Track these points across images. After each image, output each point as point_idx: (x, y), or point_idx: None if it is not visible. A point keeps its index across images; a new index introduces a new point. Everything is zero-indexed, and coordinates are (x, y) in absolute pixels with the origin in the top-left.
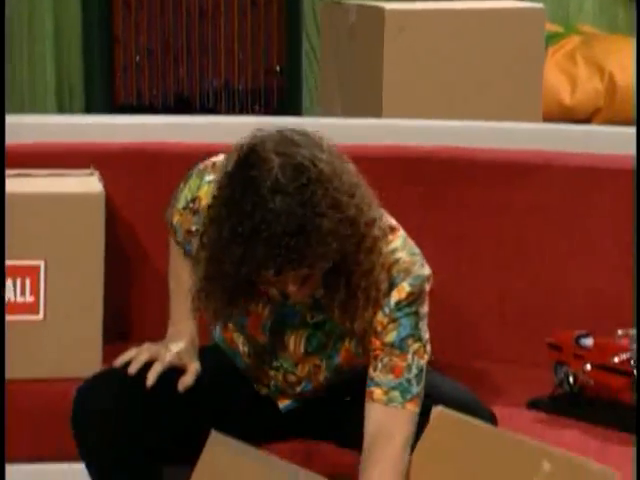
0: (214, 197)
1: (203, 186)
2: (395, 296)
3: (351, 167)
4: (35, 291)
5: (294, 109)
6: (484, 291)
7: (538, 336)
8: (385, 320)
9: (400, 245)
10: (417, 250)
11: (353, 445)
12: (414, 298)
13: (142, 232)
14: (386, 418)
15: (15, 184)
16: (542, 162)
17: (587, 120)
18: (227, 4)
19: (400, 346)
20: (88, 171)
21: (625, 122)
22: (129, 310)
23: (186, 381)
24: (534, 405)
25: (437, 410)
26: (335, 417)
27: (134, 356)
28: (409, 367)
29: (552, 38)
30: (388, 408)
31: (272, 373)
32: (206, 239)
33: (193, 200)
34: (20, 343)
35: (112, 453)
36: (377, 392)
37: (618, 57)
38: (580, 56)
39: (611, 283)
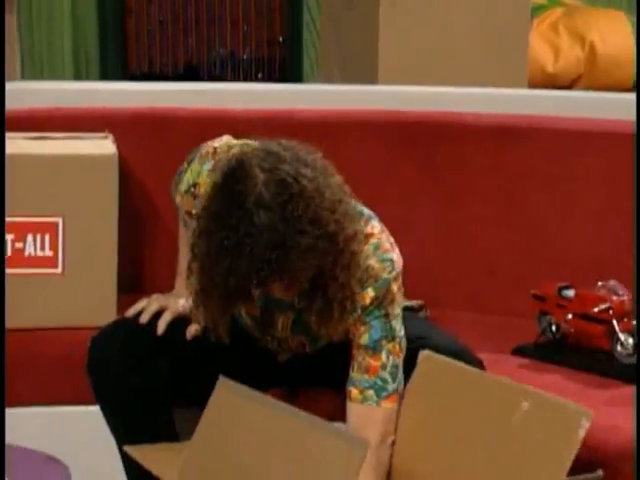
0: (203, 208)
1: (202, 173)
2: (360, 301)
3: (336, 180)
4: (54, 246)
5: (295, 77)
6: (473, 246)
7: (523, 288)
8: (355, 324)
9: (371, 252)
10: (387, 255)
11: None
12: (379, 302)
13: (153, 191)
14: (362, 417)
15: (35, 146)
16: (527, 125)
17: (569, 86)
18: None
19: (373, 347)
20: (103, 134)
21: (604, 88)
22: (141, 263)
23: (193, 329)
24: (519, 352)
25: (423, 354)
26: (333, 364)
27: (145, 306)
28: (384, 366)
29: (537, 10)
30: (363, 407)
31: (268, 338)
32: (197, 250)
33: (194, 185)
34: (40, 294)
35: (125, 396)
36: (353, 392)
37: (598, 27)
38: (562, 27)
39: (591, 239)
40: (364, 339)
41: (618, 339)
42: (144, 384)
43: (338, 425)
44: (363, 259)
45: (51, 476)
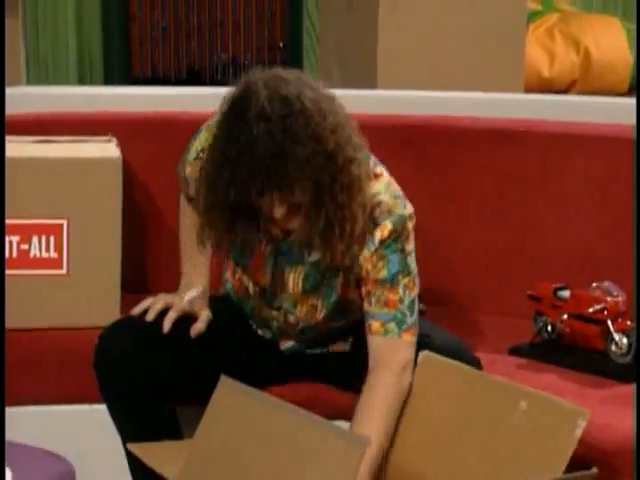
0: (213, 136)
1: (209, 138)
2: (378, 235)
3: (340, 109)
4: (59, 248)
5: None
6: (470, 246)
7: (519, 289)
8: (373, 258)
9: (382, 189)
10: (400, 193)
11: (350, 388)
12: (397, 235)
13: (156, 193)
14: (384, 348)
15: (40, 149)
16: (523, 129)
17: (564, 91)
18: None
19: (391, 281)
20: (106, 138)
21: (599, 92)
22: (144, 264)
23: (198, 327)
24: (516, 351)
25: (424, 354)
26: (333, 361)
27: (150, 305)
28: (401, 299)
29: (533, 16)
30: (386, 339)
31: (274, 313)
32: (204, 172)
33: (202, 150)
34: (45, 295)
35: (131, 393)
36: (375, 325)
37: (593, 33)
38: (558, 32)
39: (585, 240)
40: (382, 273)
41: (613, 339)
42: (149, 381)
43: (339, 424)
44: (373, 195)
45: (55, 471)
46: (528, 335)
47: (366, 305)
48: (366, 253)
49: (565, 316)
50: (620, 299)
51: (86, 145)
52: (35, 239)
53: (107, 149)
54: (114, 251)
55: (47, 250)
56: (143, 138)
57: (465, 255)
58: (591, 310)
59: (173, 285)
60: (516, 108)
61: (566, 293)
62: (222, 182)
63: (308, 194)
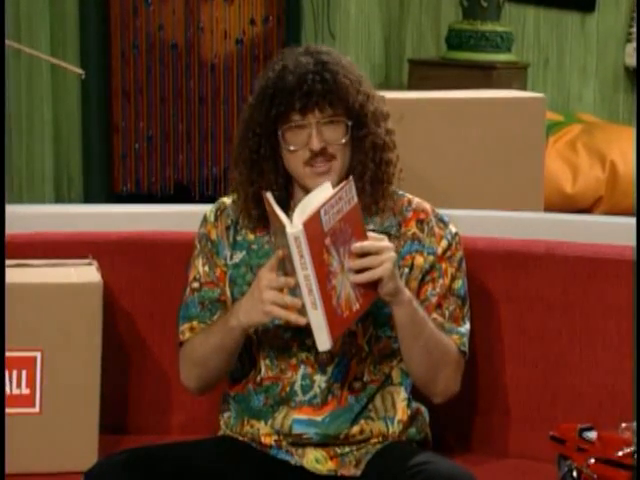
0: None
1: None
2: (452, 228)
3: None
4: (31, 383)
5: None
6: (486, 382)
7: (541, 428)
8: (443, 259)
9: None
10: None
11: None
12: (462, 255)
13: (140, 321)
14: (454, 357)
15: (14, 274)
16: (543, 251)
17: (589, 209)
18: (226, 91)
19: (463, 299)
20: (86, 261)
21: (627, 211)
22: (126, 400)
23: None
24: None
25: None
26: None
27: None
28: (464, 319)
29: (553, 127)
30: (460, 352)
31: (303, 356)
32: (240, 118)
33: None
34: (15, 437)
35: None
36: (454, 337)
37: (619, 146)
38: (581, 145)
39: (613, 374)
40: (458, 284)
41: None
42: None
43: None
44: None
45: None
46: None
47: (437, 316)
48: (444, 243)
49: (592, 460)
50: None
51: (64, 269)
52: (6, 374)
53: (87, 273)
54: (92, 387)
55: (19, 386)
56: (126, 261)
57: (479, 392)
58: (620, 454)
59: (158, 426)
60: (535, 229)
61: (592, 434)
62: (262, 103)
63: (351, 118)
